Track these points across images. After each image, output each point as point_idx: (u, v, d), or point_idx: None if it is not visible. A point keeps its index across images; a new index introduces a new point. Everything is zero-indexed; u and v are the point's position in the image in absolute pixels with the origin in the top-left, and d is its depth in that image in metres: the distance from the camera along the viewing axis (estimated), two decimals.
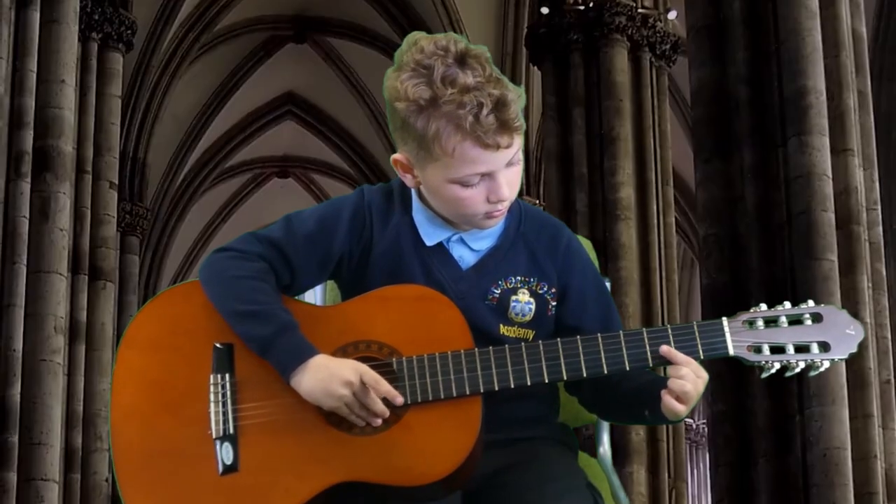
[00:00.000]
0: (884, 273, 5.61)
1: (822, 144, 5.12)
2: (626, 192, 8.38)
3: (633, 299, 8.11)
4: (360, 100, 13.96)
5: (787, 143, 5.21)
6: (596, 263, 1.14)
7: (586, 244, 1.15)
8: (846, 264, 5.06)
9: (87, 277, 7.89)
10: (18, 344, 6.02)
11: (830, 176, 5.13)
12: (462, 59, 0.89)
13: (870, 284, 5.22)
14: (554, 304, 1.03)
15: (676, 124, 11.30)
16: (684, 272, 14.49)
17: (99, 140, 8.52)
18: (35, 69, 6.42)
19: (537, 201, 10.00)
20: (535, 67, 9.86)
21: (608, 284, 1.11)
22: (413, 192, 1.02)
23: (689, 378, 0.90)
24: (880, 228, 5.69)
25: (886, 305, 5.61)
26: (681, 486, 8.46)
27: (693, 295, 13.73)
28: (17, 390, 5.95)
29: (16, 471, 5.88)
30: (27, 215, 6.20)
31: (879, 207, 5.81)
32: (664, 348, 0.91)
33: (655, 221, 8.58)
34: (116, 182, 9.04)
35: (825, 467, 4.67)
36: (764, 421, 4.76)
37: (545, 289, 1.02)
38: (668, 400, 0.90)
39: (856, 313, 4.92)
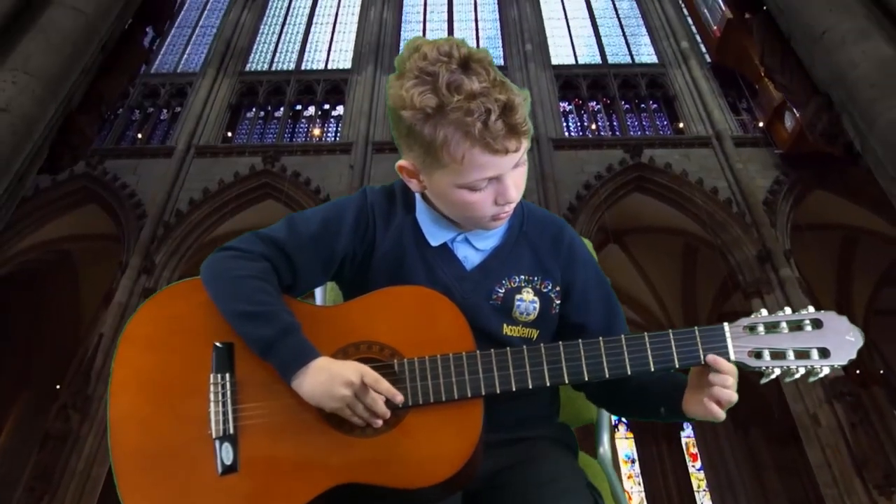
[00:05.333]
0: None
1: None
2: None
3: None
4: None
5: None
6: (596, 260, 1.07)
7: (587, 243, 1.08)
8: None
9: None
10: None
11: None
12: (466, 65, 0.82)
13: None
14: (558, 302, 0.97)
15: None
16: None
17: None
18: None
19: None
20: None
21: (609, 282, 1.04)
22: (416, 193, 0.96)
23: (733, 388, 0.84)
24: None
25: None
26: None
27: None
28: None
29: None
30: None
31: None
32: (710, 357, 0.84)
33: None
34: None
35: None
36: None
37: (549, 287, 0.96)
38: (710, 406, 0.85)
39: None
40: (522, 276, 0.96)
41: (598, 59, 12.89)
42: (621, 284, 12.57)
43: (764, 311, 0.90)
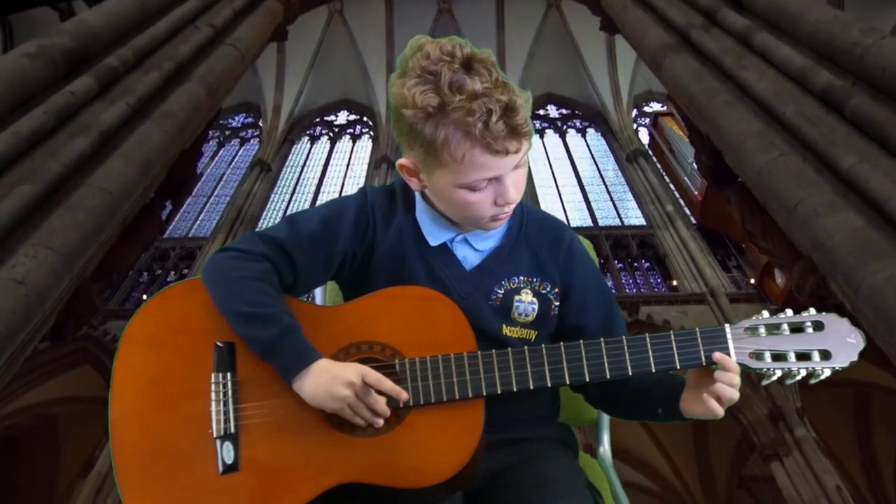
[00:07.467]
0: None
1: None
2: None
3: None
4: None
5: None
6: (595, 262, 1.08)
7: (586, 244, 1.09)
8: None
9: None
10: None
11: None
12: (468, 65, 0.81)
13: None
14: (556, 304, 0.97)
15: None
16: None
17: None
18: None
19: None
20: None
21: (609, 284, 1.06)
22: (416, 193, 0.96)
23: (737, 386, 0.84)
24: None
25: None
26: None
27: None
28: None
29: None
30: None
31: None
32: (717, 355, 0.84)
33: None
34: None
35: None
36: None
37: (548, 289, 0.97)
38: (711, 402, 0.84)
39: None
40: (521, 278, 0.96)
41: (588, 222, 13.60)
42: (631, 449, 11.99)
43: (765, 314, 0.90)
